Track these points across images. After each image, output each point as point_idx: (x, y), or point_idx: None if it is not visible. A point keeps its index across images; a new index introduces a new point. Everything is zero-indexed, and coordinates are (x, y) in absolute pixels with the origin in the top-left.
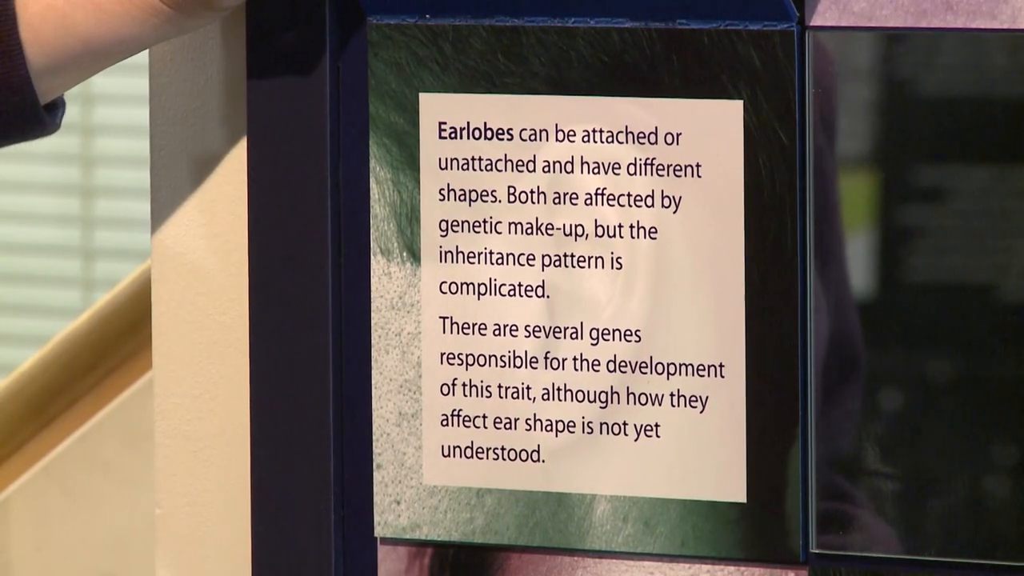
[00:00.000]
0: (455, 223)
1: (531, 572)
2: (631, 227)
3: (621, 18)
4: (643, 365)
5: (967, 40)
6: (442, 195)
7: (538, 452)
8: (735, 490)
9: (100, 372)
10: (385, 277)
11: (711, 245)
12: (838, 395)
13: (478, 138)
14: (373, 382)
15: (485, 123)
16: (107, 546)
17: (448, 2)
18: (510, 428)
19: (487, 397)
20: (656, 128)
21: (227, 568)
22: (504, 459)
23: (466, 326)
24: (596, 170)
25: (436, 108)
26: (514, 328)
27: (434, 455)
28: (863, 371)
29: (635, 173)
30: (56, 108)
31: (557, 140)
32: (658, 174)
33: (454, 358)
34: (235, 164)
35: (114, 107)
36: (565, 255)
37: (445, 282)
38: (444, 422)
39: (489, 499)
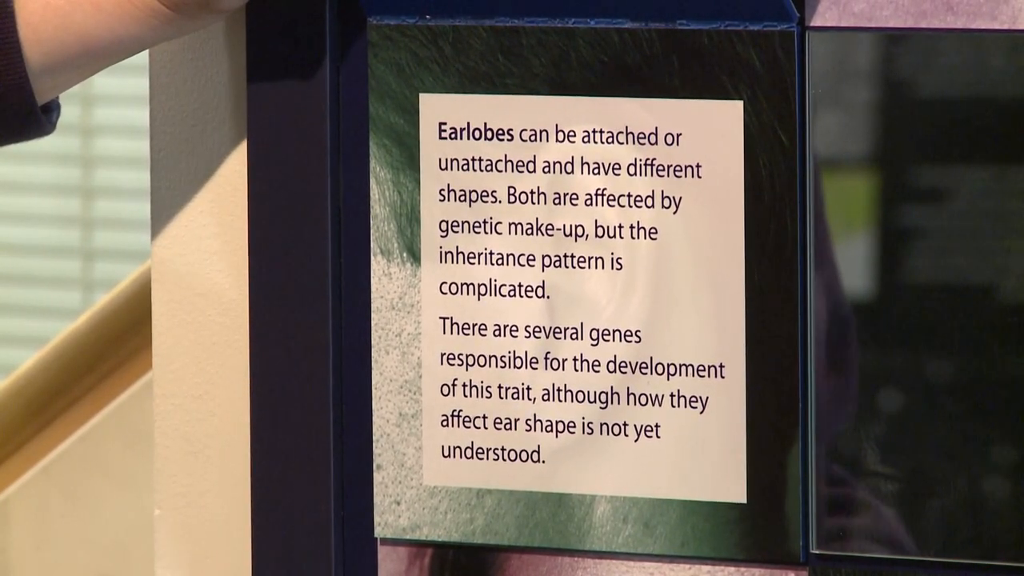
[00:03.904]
0: (455, 223)
1: (531, 572)
2: (631, 227)
3: (621, 19)
4: (643, 365)
5: (967, 41)
6: (442, 195)
7: (538, 453)
8: (735, 491)
9: (100, 373)
10: (385, 277)
11: (711, 246)
12: (835, 379)
13: (478, 138)
14: (373, 382)
15: (485, 123)
16: (107, 546)
17: (448, 3)
18: (510, 428)
19: (487, 398)
20: (656, 128)
21: (227, 569)
22: (504, 460)
23: (466, 326)
24: (596, 170)
25: (436, 108)
26: (514, 328)
27: (434, 456)
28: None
29: (635, 173)
30: (51, 110)
31: (557, 140)
32: (658, 174)
33: (454, 358)
34: (235, 165)
35: (114, 108)
36: (565, 255)
37: (445, 282)
38: (444, 422)
39: (489, 500)
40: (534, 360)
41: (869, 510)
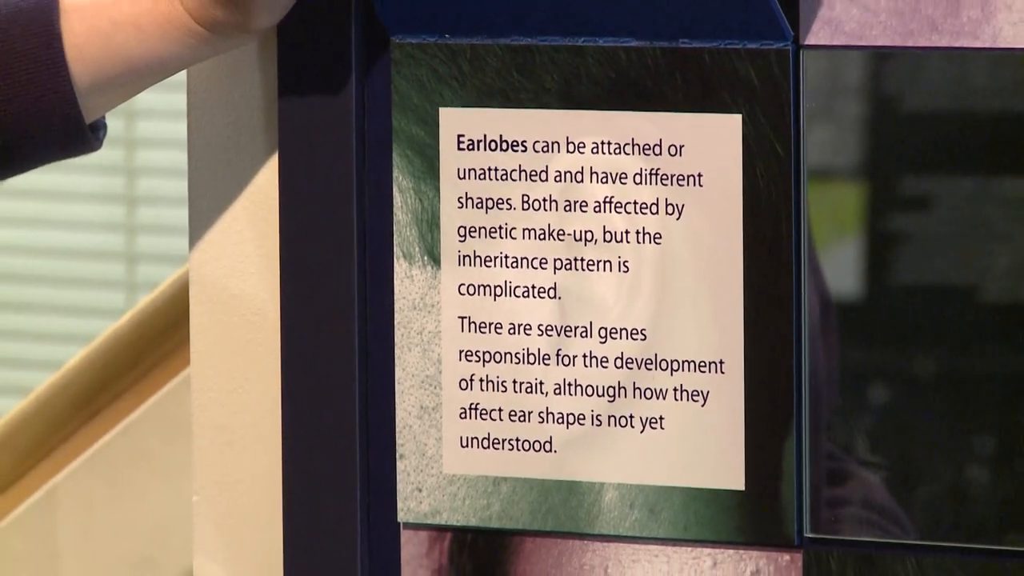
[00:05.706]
0: (473, 229)
1: (544, 555)
2: (637, 233)
3: (627, 37)
4: (648, 362)
5: (951, 59)
6: (460, 203)
7: (550, 443)
8: (734, 478)
9: (142, 368)
10: (408, 279)
11: (712, 250)
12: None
13: (494, 149)
14: (396, 378)
15: (501, 136)
16: (148, 532)
17: (466, 22)
18: (524, 420)
19: (503, 392)
20: (660, 140)
21: (260, 552)
22: (519, 449)
23: (483, 325)
24: (604, 179)
25: (455, 122)
26: (528, 327)
27: (453, 446)
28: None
29: (641, 182)
30: (98, 128)
31: (568, 152)
32: (662, 183)
33: (472, 355)
34: (268, 174)
35: (155, 121)
36: (575, 259)
37: (463, 284)
38: (463, 415)
39: (505, 487)
40: (547, 357)
41: (860, 496)
